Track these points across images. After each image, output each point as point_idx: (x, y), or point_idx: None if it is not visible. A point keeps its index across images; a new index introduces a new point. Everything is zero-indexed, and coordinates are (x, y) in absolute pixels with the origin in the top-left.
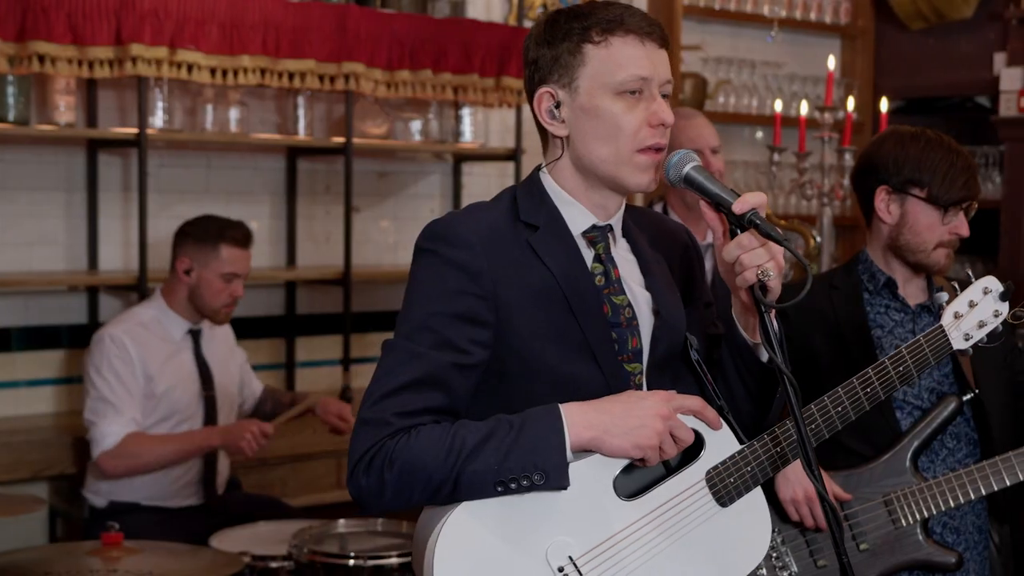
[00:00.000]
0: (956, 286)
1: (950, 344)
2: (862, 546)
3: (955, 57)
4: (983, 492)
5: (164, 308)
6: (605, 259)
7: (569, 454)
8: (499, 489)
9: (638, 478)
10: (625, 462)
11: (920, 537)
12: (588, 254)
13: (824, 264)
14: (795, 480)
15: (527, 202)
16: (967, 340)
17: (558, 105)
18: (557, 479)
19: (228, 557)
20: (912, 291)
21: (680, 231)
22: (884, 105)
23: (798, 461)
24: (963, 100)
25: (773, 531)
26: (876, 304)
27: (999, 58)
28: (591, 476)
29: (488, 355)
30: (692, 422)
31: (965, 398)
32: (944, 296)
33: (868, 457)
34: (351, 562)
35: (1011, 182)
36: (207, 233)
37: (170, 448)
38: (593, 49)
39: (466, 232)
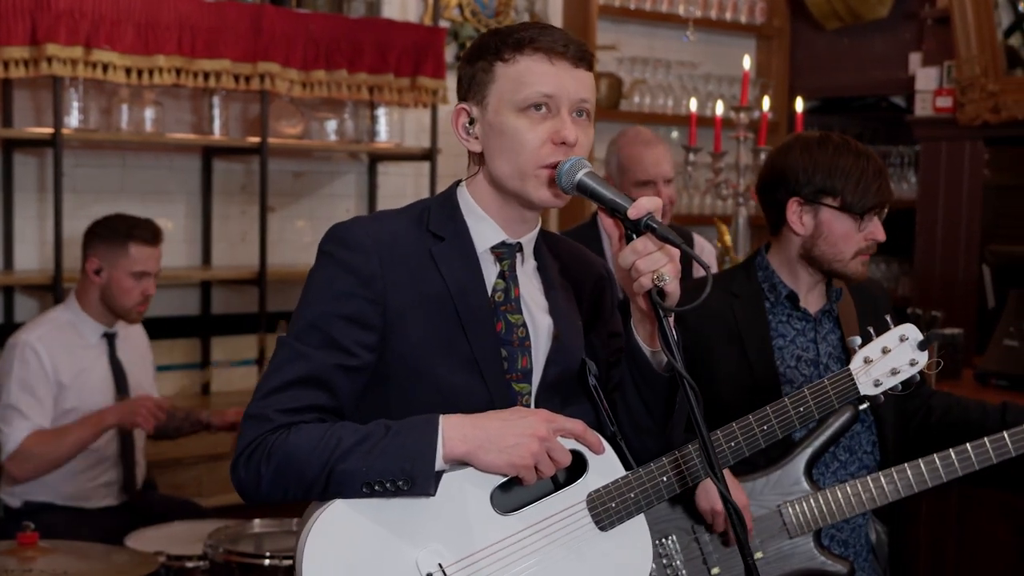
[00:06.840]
0: (872, 331)
1: (856, 389)
2: (756, 555)
3: (870, 57)
4: (877, 503)
5: (78, 311)
6: (509, 276)
7: (440, 463)
8: (365, 490)
9: (521, 494)
10: (503, 477)
11: (812, 546)
12: (493, 270)
13: None
14: (715, 493)
15: (439, 214)
16: (877, 386)
17: (472, 121)
18: (423, 487)
19: (143, 557)
20: (813, 299)
21: (597, 264)
22: (799, 105)
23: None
24: (878, 100)
25: (670, 536)
26: (778, 313)
27: (914, 58)
28: (468, 487)
29: (374, 359)
30: (574, 445)
31: (861, 407)
32: (857, 340)
33: (762, 467)
34: (267, 562)
35: (926, 182)
36: (115, 232)
37: (70, 439)
38: (502, 67)
39: (364, 236)
